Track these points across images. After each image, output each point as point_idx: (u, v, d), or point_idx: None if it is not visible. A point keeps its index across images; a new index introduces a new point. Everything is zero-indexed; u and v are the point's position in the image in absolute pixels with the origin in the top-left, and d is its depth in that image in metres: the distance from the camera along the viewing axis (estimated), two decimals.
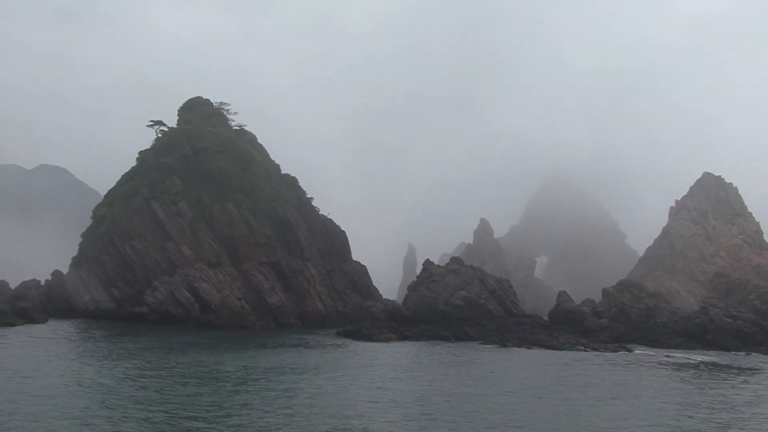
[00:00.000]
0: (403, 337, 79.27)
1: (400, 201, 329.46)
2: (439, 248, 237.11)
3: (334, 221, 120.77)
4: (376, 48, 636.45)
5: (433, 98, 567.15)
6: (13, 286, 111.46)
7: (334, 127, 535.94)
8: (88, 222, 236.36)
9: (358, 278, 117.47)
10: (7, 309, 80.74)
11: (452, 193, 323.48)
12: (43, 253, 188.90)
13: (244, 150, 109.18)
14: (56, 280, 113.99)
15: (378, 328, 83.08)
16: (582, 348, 73.93)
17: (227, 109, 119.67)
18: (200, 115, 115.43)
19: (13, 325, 74.93)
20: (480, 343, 77.08)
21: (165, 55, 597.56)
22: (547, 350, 71.38)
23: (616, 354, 69.17)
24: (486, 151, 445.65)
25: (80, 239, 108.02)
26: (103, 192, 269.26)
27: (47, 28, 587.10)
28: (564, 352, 70.35)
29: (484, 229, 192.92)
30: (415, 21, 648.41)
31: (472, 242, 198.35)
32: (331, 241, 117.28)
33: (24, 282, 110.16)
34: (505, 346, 75.25)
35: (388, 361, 55.94)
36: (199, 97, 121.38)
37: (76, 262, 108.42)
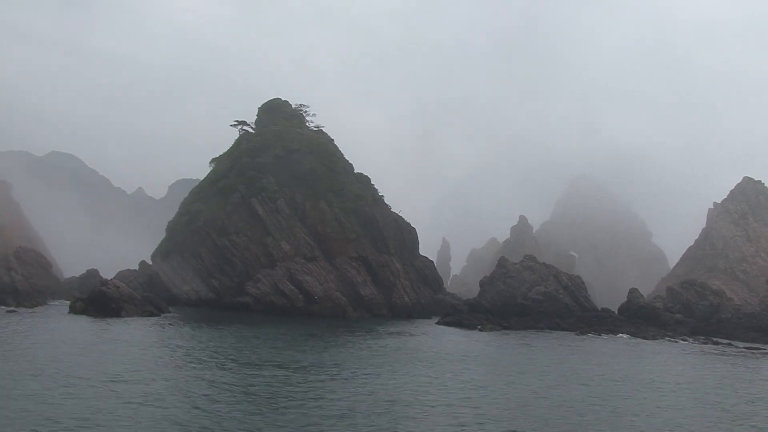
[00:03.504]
0: (503, 328, 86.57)
1: (430, 197, 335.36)
2: (469, 243, 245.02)
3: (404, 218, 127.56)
4: (382, 40, 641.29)
5: (459, 95, 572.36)
6: None
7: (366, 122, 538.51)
8: (102, 208, 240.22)
9: (428, 272, 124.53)
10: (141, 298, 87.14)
11: (482, 189, 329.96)
12: (63, 237, 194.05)
13: (331, 151, 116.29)
14: (145, 270, 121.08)
15: (477, 319, 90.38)
16: (674, 339, 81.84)
17: (305, 111, 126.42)
18: (283, 116, 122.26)
19: (152, 314, 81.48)
20: (576, 334, 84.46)
21: (168, 43, 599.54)
22: (647, 341, 78.96)
23: (726, 347, 75.65)
24: (516, 148, 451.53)
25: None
26: (114, 179, 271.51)
27: (54, 15, 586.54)
28: (675, 344, 77.61)
29: (522, 225, 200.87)
30: (438, 14, 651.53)
31: (508, 238, 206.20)
32: (403, 237, 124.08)
33: (120, 272, 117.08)
34: (599, 335, 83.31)
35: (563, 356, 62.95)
36: (278, 98, 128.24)
37: (165, 254, 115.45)
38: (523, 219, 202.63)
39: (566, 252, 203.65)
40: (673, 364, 56.03)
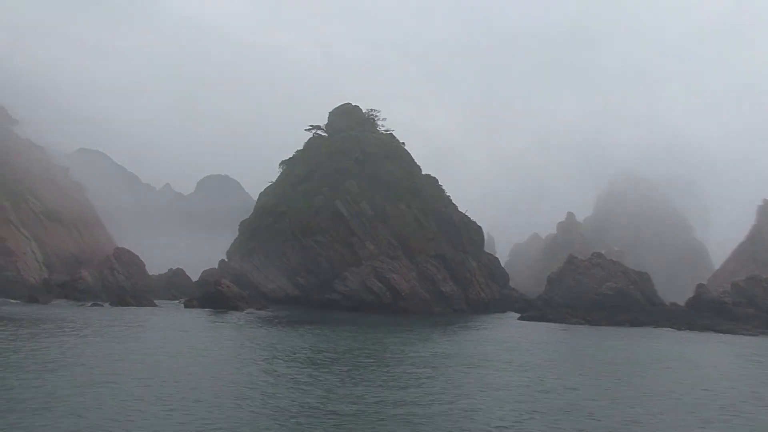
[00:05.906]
0: (587, 322, 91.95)
1: (472, 192, 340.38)
2: (511, 238, 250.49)
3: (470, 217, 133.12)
4: (415, 34, 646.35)
5: (502, 91, 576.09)
6: None
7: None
8: (138, 204, 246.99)
9: (495, 268, 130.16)
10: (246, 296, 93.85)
11: (523, 185, 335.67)
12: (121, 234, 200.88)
13: (407, 155, 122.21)
14: (227, 269, 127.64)
15: (560, 314, 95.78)
16: (753, 333, 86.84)
17: (376, 116, 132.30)
18: (356, 121, 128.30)
19: (260, 309, 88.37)
20: (653, 327, 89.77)
21: (192, 40, 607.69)
22: (732, 335, 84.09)
23: None
24: (558, 144, 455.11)
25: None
26: (143, 176, 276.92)
27: (77, 13, 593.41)
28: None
29: (569, 222, 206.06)
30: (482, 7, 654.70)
31: (554, 233, 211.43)
32: (470, 235, 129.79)
33: (205, 270, 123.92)
34: (679, 329, 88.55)
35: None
36: (348, 103, 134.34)
37: (244, 253, 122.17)
38: (570, 215, 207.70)
39: (611, 248, 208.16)
40: None
